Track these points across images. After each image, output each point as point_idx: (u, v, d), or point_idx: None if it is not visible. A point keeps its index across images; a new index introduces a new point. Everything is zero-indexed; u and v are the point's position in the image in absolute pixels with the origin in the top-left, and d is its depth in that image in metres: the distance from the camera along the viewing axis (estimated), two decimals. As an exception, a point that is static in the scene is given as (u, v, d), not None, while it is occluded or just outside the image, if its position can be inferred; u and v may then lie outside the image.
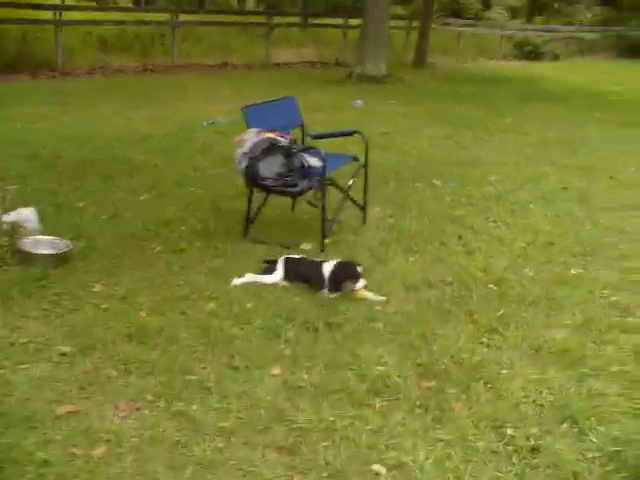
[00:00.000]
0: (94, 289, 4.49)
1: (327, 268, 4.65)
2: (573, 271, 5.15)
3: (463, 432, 3.21)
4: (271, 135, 5.22)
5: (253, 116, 5.42)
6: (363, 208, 6.01)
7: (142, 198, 6.49)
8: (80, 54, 16.60)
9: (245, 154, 5.10)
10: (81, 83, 14.17)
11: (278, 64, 19.43)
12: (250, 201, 5.53)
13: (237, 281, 4.68)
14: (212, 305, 4.35)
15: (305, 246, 5.43)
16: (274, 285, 4.65)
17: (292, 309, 4.30)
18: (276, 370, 3.65)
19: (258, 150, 5.02)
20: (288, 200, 6.06)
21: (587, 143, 10.07)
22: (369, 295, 4.55)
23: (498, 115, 12.12)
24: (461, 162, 8.47)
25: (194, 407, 3.29)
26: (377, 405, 3.39)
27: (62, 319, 4.09)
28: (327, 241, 5.40)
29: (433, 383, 3.60)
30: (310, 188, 5.20)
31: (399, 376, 3.63)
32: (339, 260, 4.75)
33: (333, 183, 5.60)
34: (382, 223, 6.06)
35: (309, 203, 5.32)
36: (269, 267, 4.82)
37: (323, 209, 5.30)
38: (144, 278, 4.70)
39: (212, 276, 4.80)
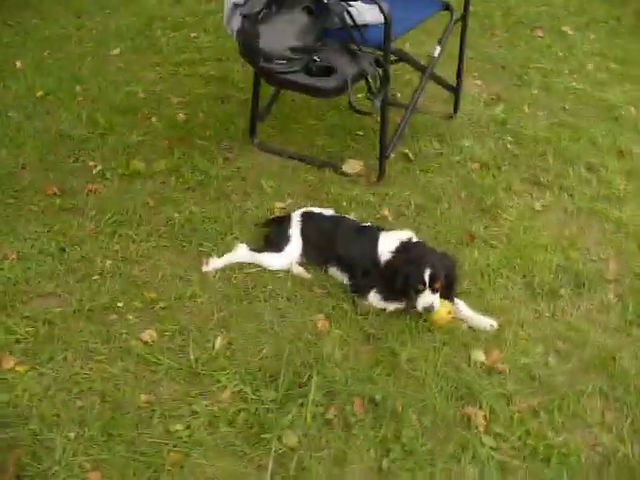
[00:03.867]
0: None
1: (385, 248, 2.35)
2: None
3: None
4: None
5: None
6: (456, 90, 3.52)
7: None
8: None
9: (237, 6, 2.62)
10: None
11: None
12: (258, 81, 3.14)
13: (213, 264, 2.46)
14: (147, 337, 2.15)
15: (349, 167, 3.10)
16: (281, 274, 2.43)
17: (308, 353, 2.10)
18: None
19: (258, 2, 2.52)
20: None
21: None
22: (469, 314, 2.28)
23: None
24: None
25: None
26: None
27: None
28: (393, 155, 3.06)
29: None
30: (361, 75, 2.68)
31: None
32: (416, 240, 2.38)
33: (403, 57, 3.07)
34: (484, 114, 3.60)
35: (354, 109, 2.67)
36: (277, 232, 2.56)
37: (383, 112, 2.86)
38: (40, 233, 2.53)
39: (172, 245, 2.59)
